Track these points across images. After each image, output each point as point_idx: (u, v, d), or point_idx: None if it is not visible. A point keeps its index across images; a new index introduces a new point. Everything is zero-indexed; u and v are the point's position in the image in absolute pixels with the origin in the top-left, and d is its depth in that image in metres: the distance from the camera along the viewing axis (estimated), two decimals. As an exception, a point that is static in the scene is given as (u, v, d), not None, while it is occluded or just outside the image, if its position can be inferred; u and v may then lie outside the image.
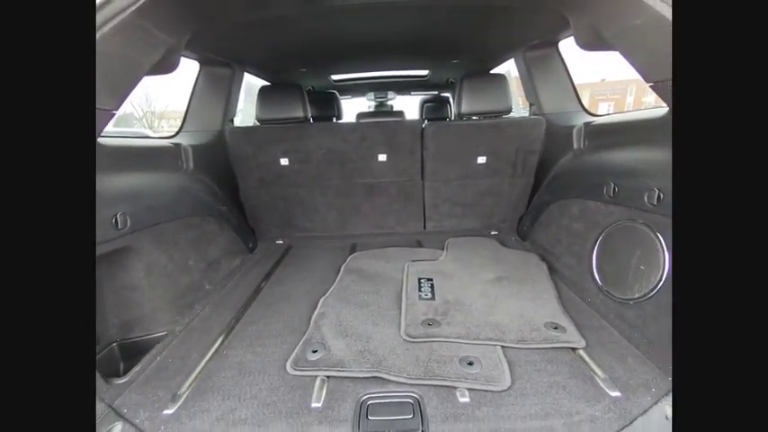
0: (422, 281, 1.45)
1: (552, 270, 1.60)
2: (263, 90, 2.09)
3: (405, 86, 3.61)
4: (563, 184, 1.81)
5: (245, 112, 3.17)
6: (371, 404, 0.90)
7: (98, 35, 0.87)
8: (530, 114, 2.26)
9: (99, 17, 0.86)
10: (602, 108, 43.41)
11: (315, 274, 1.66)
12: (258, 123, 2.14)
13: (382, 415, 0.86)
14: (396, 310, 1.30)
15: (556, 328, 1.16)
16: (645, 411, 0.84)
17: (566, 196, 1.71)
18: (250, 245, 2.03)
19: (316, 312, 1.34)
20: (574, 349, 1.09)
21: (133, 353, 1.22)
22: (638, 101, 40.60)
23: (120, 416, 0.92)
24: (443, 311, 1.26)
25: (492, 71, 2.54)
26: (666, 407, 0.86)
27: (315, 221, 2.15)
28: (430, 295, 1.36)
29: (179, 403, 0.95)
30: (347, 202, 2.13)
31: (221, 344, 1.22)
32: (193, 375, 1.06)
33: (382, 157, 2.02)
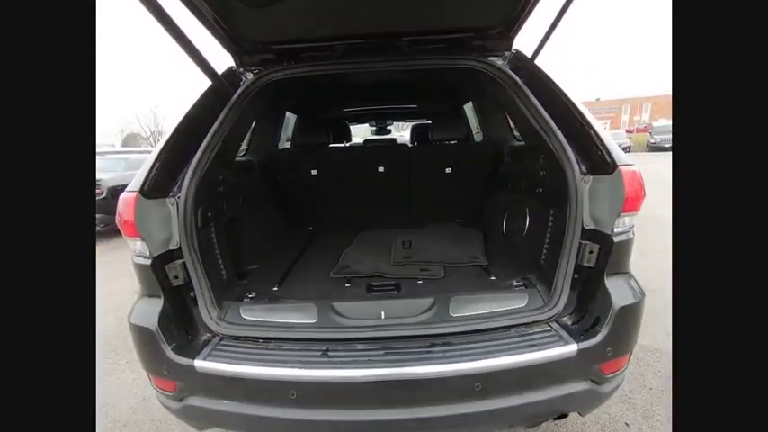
0: (404, 241, 2.21)
1: (486, 236, 2.31)
2: (298, 124, 3.12)
3: (399, 115, 4.67)
4: (496, 183, 2.50)
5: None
6: (374, 284, 1.65)
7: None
8: (482, 139, 2.97)
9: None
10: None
11: (338, 242, 2.33)
12: (290, 145, 3.11)
13: (379, 291, 1.60)
14: (389, 254, 2.04)
15: (475, 257, 1.91)
16: (510, 287, 1.49)
17: (495, 191, 2.46)
18: (295, 225, 2.75)
19: (342, 254, 2.08)
20: (480, 266, 1.84)
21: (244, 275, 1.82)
22: (632, 119, 44.65)
23: (251, 290, 1.59)
24: (414, 252, 2.05)
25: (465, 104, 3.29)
26: (515, 281, 1.51)
27: (334, 212, 2.90)
28: (408, 246, 2.15)
29: (278, 288, 1.70)
30: (356, 199, 2.89)
31: (291, 267, 2.00)
32: (280, 278, 1.81)
33: (381, 169, 2.78)
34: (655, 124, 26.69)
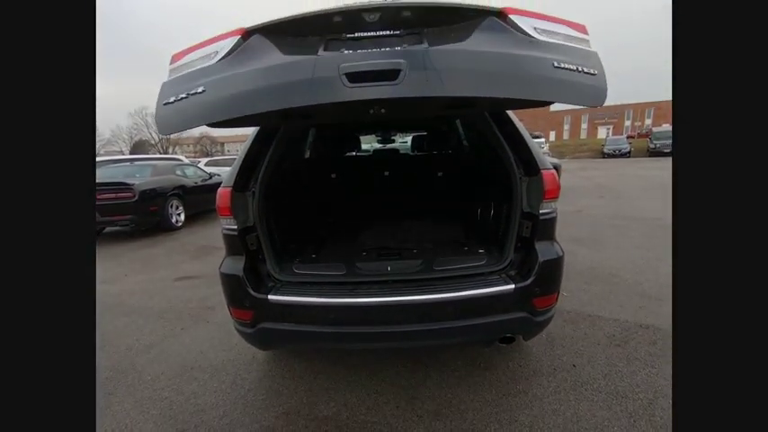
0: (406, 226, 2.83)
1: (466, 221, 2.81)
2: (317, 137, 3.40)
3: (402, 128, 5.12)
4: (474, 184, 2.95)
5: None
6: (382, 253, 2.17)
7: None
8: (468, 150, 3.45)
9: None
10: (601, 132, 47.50)
11: (356, 226, 2.86)
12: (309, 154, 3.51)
13: (386, 256, 2.08)
14: (394, 234, 2.61)
15: (455, 236, 2.48)
16: (476, 252, 1.94)
17: (472, 190, 2.94)
18: (321, 214, 3.27)
19: (360, 234, 2.70)
20: (457, 241, 2.39)
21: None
22: (633, 125, 45.05)
23: (297, 257, 2.07)
24: (412, 233, 2.62)
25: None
26: (480, 249, 2.00)
27: (351, 205, 3.47)
28: (409, 229, 2.74)
29: (315, 255, 2.21)
30: (365, 195, 3.45)
31: (323, 243, 2.54)
32: (315, 249, 2.32)
33: (387, 173, 3.41)
34: (655, 129, 27.09)
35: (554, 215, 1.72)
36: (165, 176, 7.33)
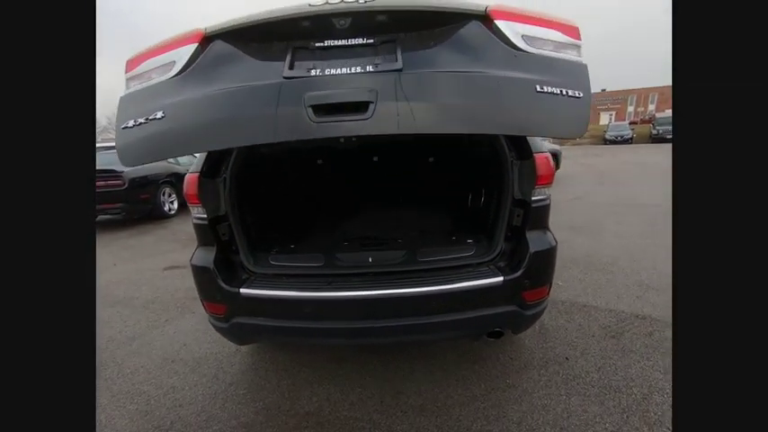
0: (393, 214, 2.79)
1: (456, 210, 2.67)
2: None
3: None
4: (463, 170, 2.77)
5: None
6: (365, 242, 2.11)
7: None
8: None
9: None
10: (604, 118, 46.80)
11: (340, 213, 2.80)
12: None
13: (369, 246, 1.99)
14: (379, 223, 2.55)
15: (442, 226, 2.39)
16: (464, 242, 1.82)
17: (462, 177, 2.76)
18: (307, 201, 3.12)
19: (343, 223, 2.59)
20: (444, 230, 2.27)
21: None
22: (636, 111, 44.37)
23: (275, 247, 1.94)
24: (399, 222, 2.55)
25: None
26: (469, 239, 1.86)
27: (337, 192, 3.26)
28: (397, 219, 2.66)
29: (294, 245, 2.06)
30: (351, 181, 3.24)
31: (305, 231, 2.42)
32: (296, 239, 2.19)
33: (375, 158, 3.13)
34: (658, 115, 26.71)
35: (547, 202, 1.60)
36: (156, 164, 7.18)
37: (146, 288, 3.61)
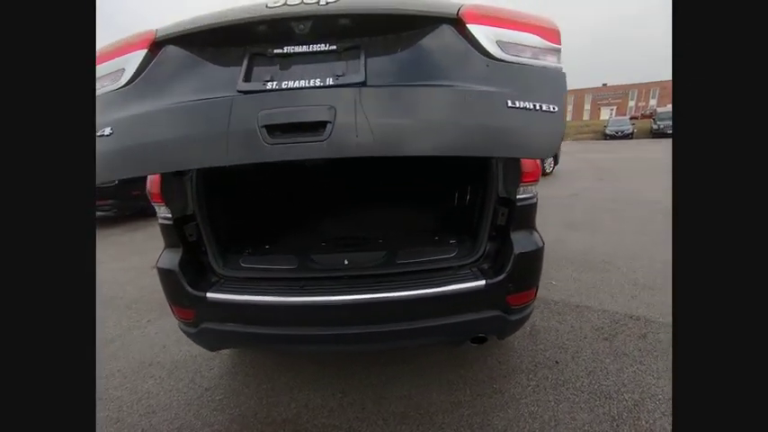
0: (375, 214, 2.69)
1: (441, 209, 2.53)
2: None
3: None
4: (450, 168, 2.63)
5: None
6: (343, 242, 1.97)
7: None
8: None
9: None
10: (605, 113, 46.36)
11: (320, 212, 2.72)
12: None
13: (347, 247, 1.84)
14: (360, 223, 2.49)
15: (425, 226, 2.27)
16: (447, 243, 1.73)
17: (448, 175, 2.62)
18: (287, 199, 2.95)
19: (322, 221, 2.49)
20: (427, 230, 2.14)
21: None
22: (638, 106, 44.00)
23: (248, 248, 1.81)
24: (381, 223, 2.45)
25: None
26: (452, 240, 1.76)
27: (311, 191, 3.09)
28: (379, 219, 2.56)
29: (269, 246, 1.93)
30: (332, 178, 3.06)
31: (282, 231, 2.28)
32: (272, 239, 2.06)
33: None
34: (659, 110, 26.47)
35: (534, 201, 1.51)
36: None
37: (131, 287, 3.54)
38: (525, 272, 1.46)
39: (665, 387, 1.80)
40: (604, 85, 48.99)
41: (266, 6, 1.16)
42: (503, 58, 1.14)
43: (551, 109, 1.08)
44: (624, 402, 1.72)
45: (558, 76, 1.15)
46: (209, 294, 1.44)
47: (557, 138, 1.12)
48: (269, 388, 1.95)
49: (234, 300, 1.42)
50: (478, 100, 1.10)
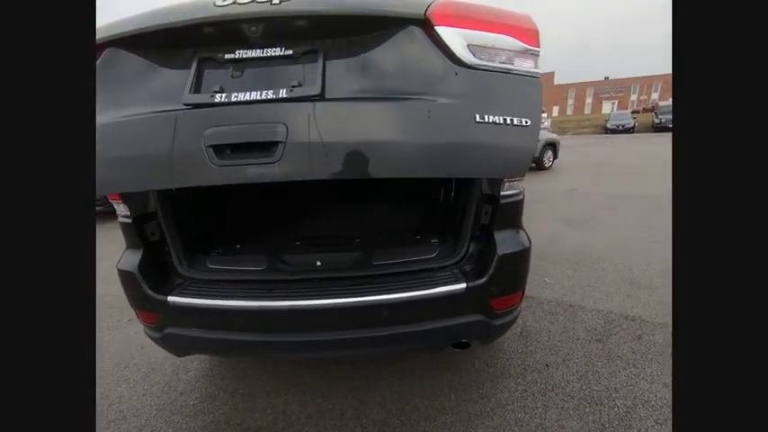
0: (352, 213, 2.57)
1: (426, 208, 2.38)
2: None
3: None
4: None
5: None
6: (318, 242, 1.84)
7: None
8: None
9: None
10: (606, 107, 45.87)
11: (296, 210, 2.58)
12: None
13: (321, 247, 1.73)
14: (337, 221, 2.39)
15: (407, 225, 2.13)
16: (428, 243, 1.61)
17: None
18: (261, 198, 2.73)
19: (299, 220, 2.36)
20: (408, 229, 2.03)
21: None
22: (639, 99, 43.58)
23: (218, 247, 1.72)
24: (358, 221, 2.37)
25: None
26: (433, 239, 1.64)
27: (288, 187, 2.77)
28: (357, 217, 2.46)
29: (240, 246, 1.80)
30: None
31: (255, 230, 2.13)
32: (244, 238, 1.92)
33: None
34: (661, 103, 26.19)
35: (520, 198, 1.40)
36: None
37: (116, 285, 3.41)
38: (510, 274, 1.37)
39: (658, 392, 1.72)
40: (606, 78, 48.66)
41: (214, 5, 1.04)
42: (473, 65, 1.04)
43: (524, 123, 0.99)
44: (616, 409, 1.64)
45: (533, 85, 1.06)
46: (170, 298, 1.34)
47: (527, 155, 1.04)
48: (246, 392, 1.87)
49: (196, 304, 1.33)
50: (444, 115, 1.01)
